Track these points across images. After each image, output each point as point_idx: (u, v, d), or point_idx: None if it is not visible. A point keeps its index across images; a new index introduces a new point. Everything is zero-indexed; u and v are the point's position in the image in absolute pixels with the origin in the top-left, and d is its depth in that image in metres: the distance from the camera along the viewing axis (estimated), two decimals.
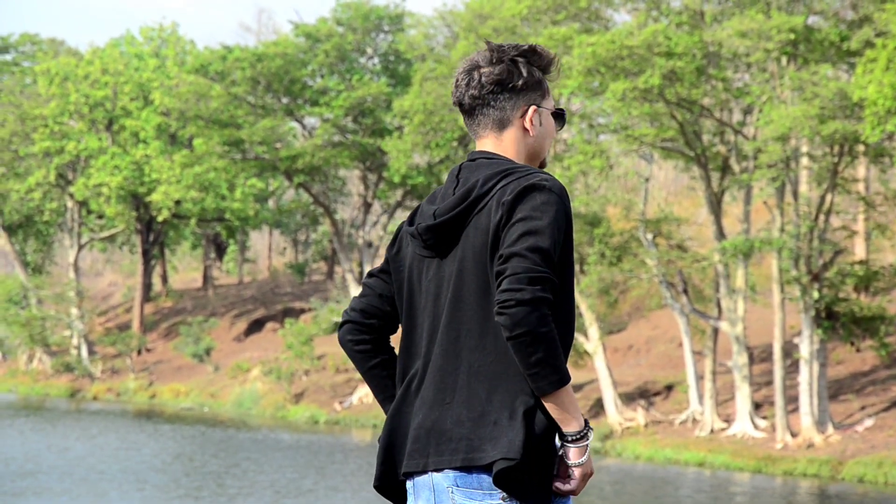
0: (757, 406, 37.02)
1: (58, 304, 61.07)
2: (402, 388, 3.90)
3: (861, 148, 34.56)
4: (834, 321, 35.10)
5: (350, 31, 51.15)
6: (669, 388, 40.14)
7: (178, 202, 54.98)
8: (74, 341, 59.88)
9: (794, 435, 34.36)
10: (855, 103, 31.82)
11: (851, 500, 29.10)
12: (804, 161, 35.28)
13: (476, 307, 3.76)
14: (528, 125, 3.94)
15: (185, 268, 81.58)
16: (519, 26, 38.85)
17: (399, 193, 51.06)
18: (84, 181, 56.73)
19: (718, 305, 37.36)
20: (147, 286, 64.85)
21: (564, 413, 3.69)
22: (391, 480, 3.91)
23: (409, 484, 3.84)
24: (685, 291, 37.73)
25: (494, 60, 3.93)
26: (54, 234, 66.42)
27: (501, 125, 3.94)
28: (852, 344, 37.05)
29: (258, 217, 59.27)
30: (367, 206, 51.22)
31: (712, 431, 36.18)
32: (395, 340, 4.10)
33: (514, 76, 3.92)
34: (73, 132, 58.01)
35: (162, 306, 67.58)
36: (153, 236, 63.00)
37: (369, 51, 52.33)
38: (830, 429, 34.18)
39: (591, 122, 39.15)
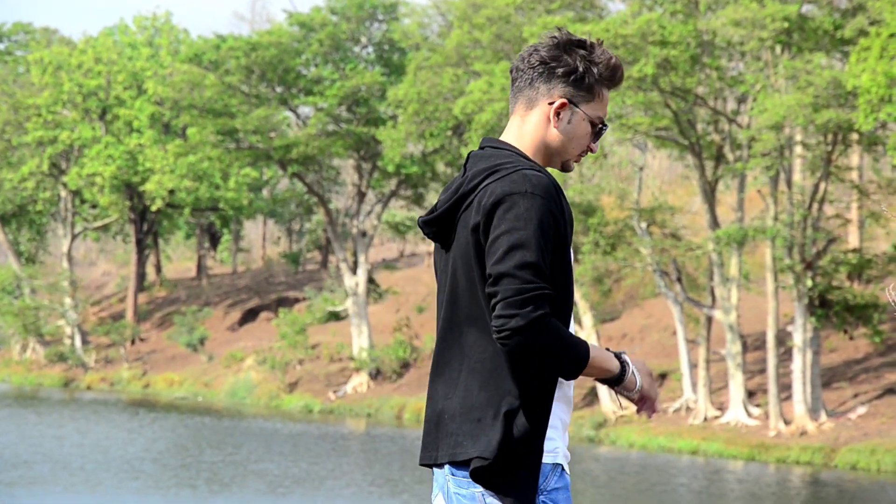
0: (750, 394, 37.09)
1: (51, 293, 60.99)
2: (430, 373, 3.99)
3: (854, 136, 34.64)
4: (827, 309, 35.18)
5: (344, 20, 51.07)
6: (663, 376, 40.21)
7: (171, 192, 54.94)
8: (68, 331, 59.83)
9: (787, 423, 34.44)
10: (849, 92, 31.88)
11: (844, 488, 29.18)
12: (798, 150, 35.34)
13: (469, 303, 3.77)
14: (551, 115, 3.82)
15: (178, 257, 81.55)
16: (513, 15, 38.85)
17: (393, 183, 51.02)
18: (77, 171, 56.67)
19: (712, 294, 37.41)
20: (141, 276, 64.79)
21: (597, 376, 3.77)
22: None
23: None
24: (679, 280, 37.77)
25: (553, 43, 3.83)
26: (47, 223, 66.31)
27: (529, 105, 3.85)
28: (845, 332, 37.11)
29: (252, 206, 59.26)
30: (362, 196, 51.15)
31: (706, 419, 36.26)
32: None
33: (560, 62, 3.82)
34: (67, 121, 57.93)
35: (156, 296, 67.54)
36: (147, 226, 62.95)
37: (363, 40, 52.26)
38: (823, 416, 34.27)
39: None
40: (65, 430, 37.00)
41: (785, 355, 37.36)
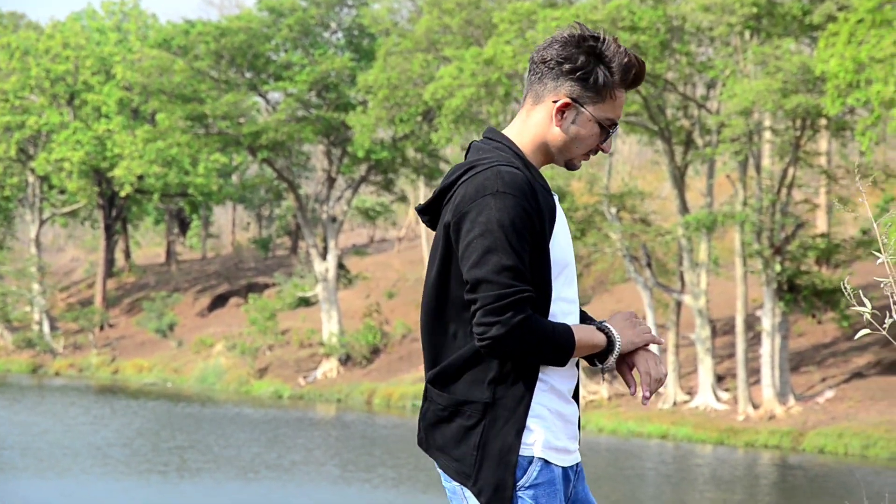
0: (719, 378, 37.27)
1: (19, 279, 60.79)
2: None
3: (823, 121, 34.83)
4: (796, 294, 35.37)
5: (313, 5, 50.99)
6: None
7: (140, 177, 54.78)
8: (36, 317, 59.64)
9: (755, 407, 34.62)
10: (817, 77, 32.06)
11: (812, 471, 29.36)
12: (767, 135, 35.49)
13: (432, 296, 3.74)
14: (554, 114, 3.71)
15: (147, 243, 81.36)
16: (483, 0, 38.85)
17: (363, 168, 51.04)
18: (45, 156, 56.46)
19: (681, 279, 37.54)
20: (109, 261, 64.64)
21: (588, 353, 3.72)
22: None
23: None
24: (649, 265, 37.90)
25: (567, 38, 3.69)
26: (15, 209, 65.98)
27: (536, 101, 3.74)
28: (814, 316, 37.36)
29: (221, 192, 59.12)
30: (331, 181, 51.16)
31: (675, 404, 36.42)
32: None
33: (570, 59, 3.68)
34: (34, 107, 57.68)
35: (124, 282, 67.39)
36: (115, 211, 62.77)
37: (333, 25, 52.21)
38: (792, 400, 34.48)
39: None
40: (33, 417, 36.92)
41: (754, 340, 37.57)
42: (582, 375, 38.95)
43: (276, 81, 50.63)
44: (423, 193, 59.58)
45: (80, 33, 58.60)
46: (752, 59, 33.75)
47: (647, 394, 3.76)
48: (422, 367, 42.27)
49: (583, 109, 3.70)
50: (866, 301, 3.97)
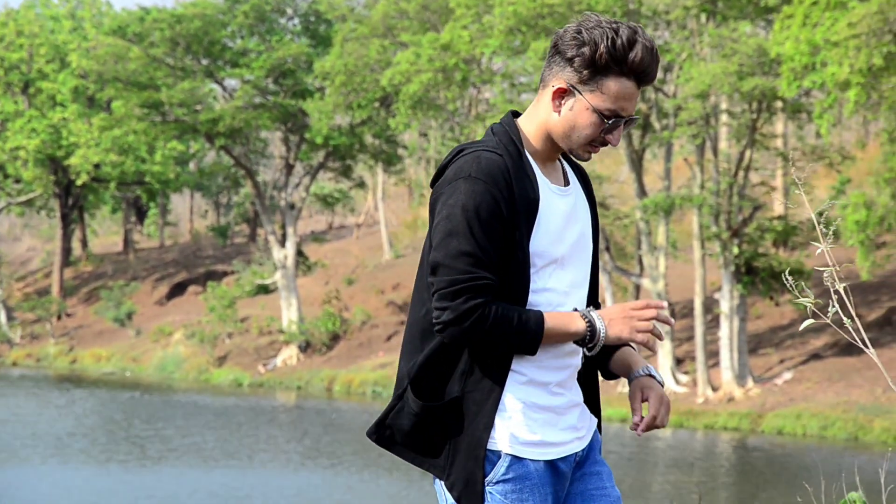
0: (679, 361, 37.47)
1: None
2: None
3: (779, 104, 35.01)
4: (753, 276, 35.57)
5: None
6: None
7: (97, 166, 54.62)
8: None
9: (714, 389, 34.87)
10: (772, 59, 32.20)
11: (770, 452, 29.60)
12: (723, 118, 35.65)
13: (418, 275, 3.74)
14: (551, 100, 3.66)
15: (105, 232, 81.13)
16: None
17: (321, 154, 51.02)
18: (0, 145, 56.19)
19: (640, 262, 37.70)
20: (66, 251, 64.43)
21: (562, 341, 3.65)
22: None
23: None
24: (607, 249, 38.02)
25: (581, 25, 3.61)
26: None
27: (543, 86, 3.69)
28: (771, 298, 37.56)
29: (179, 180, 59.00)
30: (290, 168, 51.12)
31: None
32: None
33: (573, 44, 3.60)
34: None
35: (82, 271, 67.19)
36: (72, 200, 62.57)
37: (289, 11, 52.16)
38: (750, 382, 34.73)
39: (513, 82, 39.36)
40: None
41: (712, 323, 37.79)
42: None
43: (232, 68, 50.53)
44: (381, 179, 59.61)
45: (34, 21, 58.35)
46: (708, 43, 33.88)
47: (641, 433, 3.76)
48: (381, 354, 42.16)
49: (580, 96, 3.62)
50: (808, 292, 4.00)
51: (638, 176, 36.96)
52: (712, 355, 36.18)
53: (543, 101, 3.68)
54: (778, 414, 32.51)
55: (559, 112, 3.65)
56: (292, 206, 50.89)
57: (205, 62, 50.77)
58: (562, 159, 3.82)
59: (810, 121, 35.38)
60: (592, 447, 3.89)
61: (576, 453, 3.77)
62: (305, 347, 47.94)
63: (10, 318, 59.12)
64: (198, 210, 77.82)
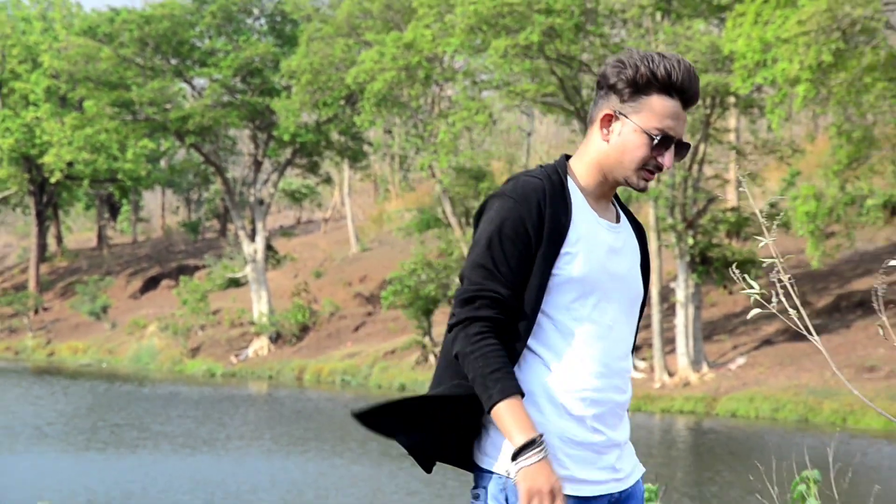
0: (636, 348, 37.41)
1: None
2: None
3: (732, 100, 35.17)
4: (708, 266, 35.82)
5: None
6: None
7: (70, 163, 54.68)
8: None
9: (671, 374, 35.26)
10: (726, 56, 32.39)
11: (724, 434, 29.85)
12: None
13: None
14: (599, 128, 3.64)
15: (79, 228, 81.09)
16: None
17: (288, 152, 51.18)
18: None
19: None
20: (42, 247, 64.58)
21: (502, 429, 3.51)
22: None
23: None
24: None
25: (623, 59, 3.63)
26: None
27: (591, 121, 3.69)
28: (725, 287, 37.76)
29: (150, 177, 59.30)
30: (258, 165, 51.27)
31: None
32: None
33: (615, 73, 3.61)
34: None
35: (57, 266, 67.28)
36: (46, 197, 62.76)
37: (256, 11, 52.22)
38: (705, 368, 35.07)
39: (475, 79, 39.48)
40: None
41: (668, 311, 37.98)
42: None
43: (201, 68, 50.71)
44: (347, 175, 60.04)
45: (5, 22, 58.50)
46: (663, 40, 33.82)
47: None
48: (349, 344, 42.09)
49: (627, 120, 3.59)
50: (754, 284, 4.09)
51: None
52: (669, 342, 36.52)
53: (592, 136, 3.66)
54: (732, 397, 32.74)
55: (608, 140, 3.62)
56: (261, 202, 51.11)
57: (174, 62, 50.94)
58: (618, 208, 3.79)
59: (762, 115, 35.34)
60: (633, 495, 3.71)
61: (611, 494, 3.63)
62: (276, 338, 48.31)
63: None
64: (169, 206, 77.95)
